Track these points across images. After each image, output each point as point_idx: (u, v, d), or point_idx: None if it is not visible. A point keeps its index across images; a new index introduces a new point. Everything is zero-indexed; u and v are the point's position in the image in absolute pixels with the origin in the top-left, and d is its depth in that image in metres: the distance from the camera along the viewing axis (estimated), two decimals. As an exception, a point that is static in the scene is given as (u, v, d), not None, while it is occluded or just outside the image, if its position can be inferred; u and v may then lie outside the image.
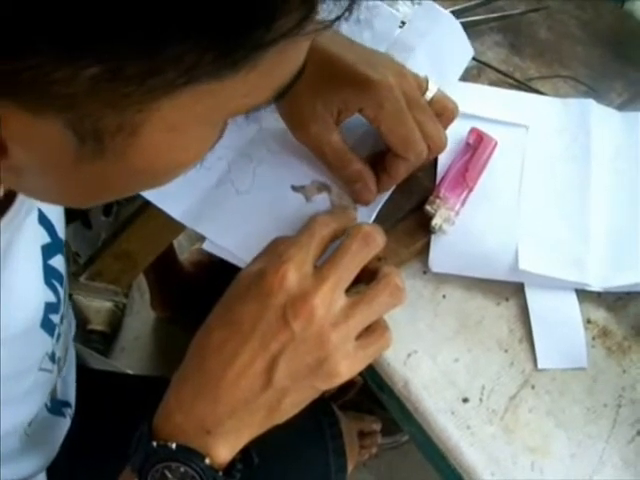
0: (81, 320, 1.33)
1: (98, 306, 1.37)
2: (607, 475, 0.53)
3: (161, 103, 0.29)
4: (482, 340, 0.57)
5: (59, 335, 0.57)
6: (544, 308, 0.58)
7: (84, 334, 1.38)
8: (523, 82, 0.69)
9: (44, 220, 0.52)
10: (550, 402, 0.55)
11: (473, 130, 0.62)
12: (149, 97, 0.28)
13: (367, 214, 0.58)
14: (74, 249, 1.15)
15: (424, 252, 0.59)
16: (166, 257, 1.30)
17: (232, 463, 0.47)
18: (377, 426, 1.28)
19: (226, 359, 0.46)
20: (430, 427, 0.54)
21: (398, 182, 0.59)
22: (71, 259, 1.15)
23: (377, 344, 0.49)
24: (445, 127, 0.58)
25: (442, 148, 0.58)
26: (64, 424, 0.68)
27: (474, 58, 0.68)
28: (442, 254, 0.59)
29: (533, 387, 0.56)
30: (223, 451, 0.46)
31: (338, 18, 0.29)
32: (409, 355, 0.56)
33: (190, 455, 0.45)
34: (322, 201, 0.59)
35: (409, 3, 0.70)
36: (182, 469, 0.45)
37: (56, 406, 0.66)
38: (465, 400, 0.55)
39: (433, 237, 0.59)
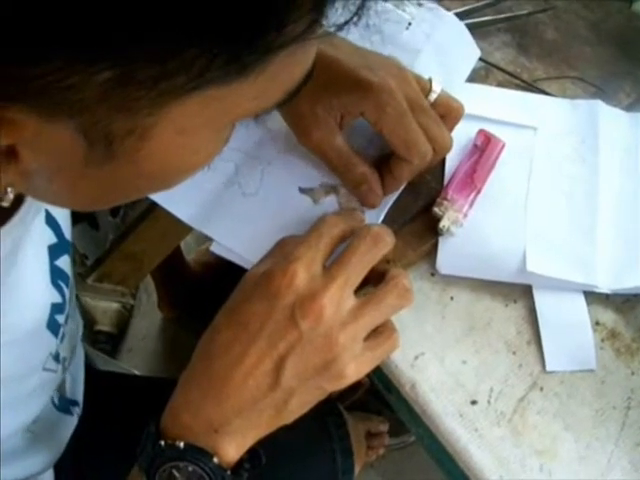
0: (88, 321, 1.34)
1: (105, 307, 1.37)
2: (616, 477, 0.53)
3: (171, 107, 0.29)
4: (490, 342, 0.57)
5: (63, 335, 0.57)
6: (552, 310, 0.58)
7: (91, 335, 1.38)
8: (531, 83, 0.69)
9: (51, 221, 0.52)
10: (558, 404, 0.55)
11: (481, 132, 0.62)
12: (159, 101, 0.28)
13: (375, 216, 0.58)
14: (82, 251, 1.16)
15: (432, 254, 0.59)
16: (173, 258, 1.30)
17: (240, 462, 0.47)
18: (384, 427, 1.28)
19: (234, 359, 0.46)
20: (438, 429, 0.54)
21: (403, 185, 0.59)
22: (78, 261, 1.15)
23: (385, 346, 0.49)
24: (451, 128, 0.58)
25: (447, 150, 0.58)
26: (71, 422, 0.69)
27: (481, 59, 0.68)
28: (450, 256, 0.58)
29: (541, 389, 0.56)
30: (231, 450, 0.46)
31: (347, 22, 0.29)
32: (417, 357, 0.56)
33: (198, 454, 0.45)
34: (330, 203, 0.59)
35: (416, 4, 0.70)
36: (190, 468, 0.45)
37: (64, 404, 0.66)
38: (473, 402, 0.55)
39: (441, 239, 0.59)
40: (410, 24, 0.66)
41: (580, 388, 0.56)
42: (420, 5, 0.70)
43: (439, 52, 0.65)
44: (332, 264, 0.48)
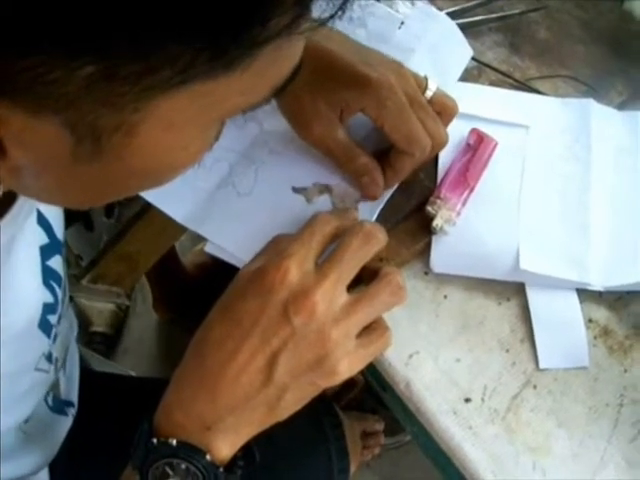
0: (83, 322, 1.34)
1: (100, 308, 1.37)
2: (609, 474, 0.53)
3: (157, 102, 0.29)
4: (484, 340, 0.57)
5: (56, 336, 0.57)
6: (545, 308, 0.58)
7: (86, 336, 1.38)
8: (523, 82, 0.69)
9: (43, 221, 0.52)
10: (552, 402, 0.55)
11: (473, 131, 0.62)
12: (145, 96, 0.29)
13: (368, 215, 0.58)
14: (76, 252, 1.16)
15: (425, 253, 0.59)
16: (168, 259, 1.30)
17: (234, 460, 0.47)
18: (380, 426, 1.28)
19: (226, 355, 0.46)
20: (432, 427, 0.54)
21: (403, 178, 0.59)
22: (73, 262, 1.15)
23: (377, 343, 0.49)
24: (446, 125, 0.59)
25: (444, 144, 0.58)
26: (66, 423, 0.69)
27: (474, 58, 0.68)
28: (443, 255, 0.59)
29: (535, 387, 0.56)
30: (224, 447, 0.46)
31: (332, 17, 0.30)
32: (410, 356, 0.56)
33: (191, 451, 0.45)
34: (323, 203, 0.59)
35: (408, 3, 0.70)
36: (183, 465, 0.45)
37: (59, 405, 0.66)
38: (467, 400, 0.55)
39: (434, 238, 0.59)
40: (403, 23, 0.67)
41: (573, 385, 0.56)
42: (413, 5, 0.70)
43: (432, 52, 0.66)
44: (325, 261, 0.48)
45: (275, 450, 0.70)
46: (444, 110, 0.58)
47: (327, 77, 0.54)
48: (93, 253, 1.14)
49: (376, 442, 1.28)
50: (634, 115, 0.66)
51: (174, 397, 0.48)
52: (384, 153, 0.59)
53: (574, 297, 0.59)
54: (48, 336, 0.55)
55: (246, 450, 0.48)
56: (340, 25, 0.57)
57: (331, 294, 0.46)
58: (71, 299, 1.30)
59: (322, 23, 0.30)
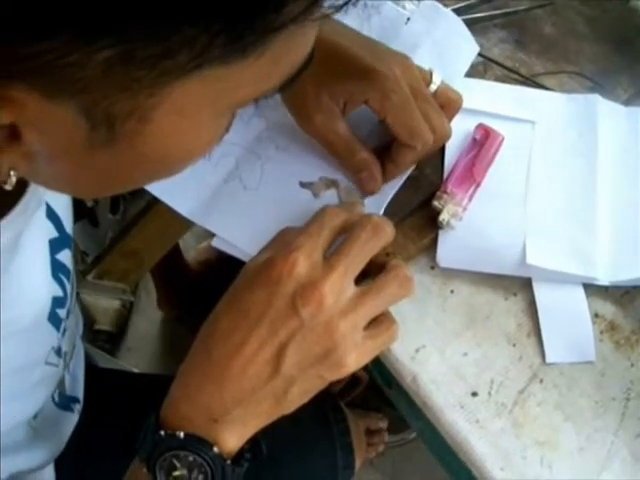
0: (88, 320, 1.34)
1: (105, 306, 1.37)
2: (615, 468, 0.53)
3: (172, 88, 0.29)
4: (490, 335, 0.57)
5: (65, 330, 0.57)
6: (552, 302, 0.58)
7: (91, 334, 1.39)
8: (529, 78, 0.69)
9: (52, 215, 0.52)
10: (558, 396, 0.56)
11: (480, 126, 0.62)
12: (160, 81, 0.29)
13: (375, 209, 0.59)
14: (82, 248, 1.16)
15: (432, 247, 0.59)
16: (172, 256, 1.30)
17: (241, 452, 0.47)
18: (384, 424, 1.28)
19: (234, 347, 0.46)
20: (439, 421, 0.54)
21: (404, 172, 0.59)
22: (78, 258, 1.16)
23: (384, 336, 0.48)
24: (450, 118, 0.59)
25: (446, 138, 0.59)
26: (72, 419, 0.69)
27: (480, 54, 0.68)
28: (450, 249, 0.59)
29: (541, 381, 0.56)
30: (231, 440, 0.46)
31: (346, 3, 0.30)
32: (417, 350, 0.56)
33: (198, 444, 0.45)
34: (330, 197, 0.59)
35: (415, 1, 0.70)
36: (190, 458, 0.45)
37: (64, 401, 0.66)
38: (474, 394, 0.55)
39: (441, 232, 0.59)
40: (409, 19, 0.67)
41: (580, 380, 0.56)
42: (419, 2, 0.70)
43: (438, 48, 0.66)
44: (333, 253, 0.48)
45: (281, 444, 0.70)
46: (448, 103, 0.58)
47: (332, 68, 0.54)
48: (98, 249, 1.15)
49: (380, 440, 1.28)
50: (639, 111, 0.66)
51: (181, 390, 0.48)
52: (386, 147, 0.59)
53: (580, 292, 0.59)
54: (58, 330, 0.55)
55: (253, 443, 0.48)
56: (348, 20, 0.57)
57: (339, 286, 0.46)
58: (76, 295, 1.30)
59: (337, 10, 0.30)
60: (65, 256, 0.55)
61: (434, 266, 0.59)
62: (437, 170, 0.62)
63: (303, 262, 0.46)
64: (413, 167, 0.61)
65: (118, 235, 1.11)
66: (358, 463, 0.95)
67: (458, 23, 0.67)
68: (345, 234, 0.50)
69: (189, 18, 0.26)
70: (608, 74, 0.71)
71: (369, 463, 1.34)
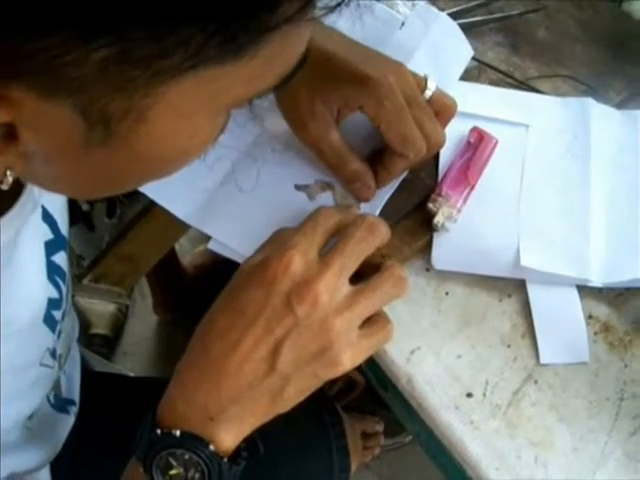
0: (83, 324, 1.34)
1: (101, 310, 1.37)
2: (609, 468, 0.54)
3: (167, 88, 0.30)
4: (485, 336, 0.58)
5: (60, 332, 0.58)
6: (546, 304, 0.58)
7: (87, 338, 1.38)
8: (523, 82, 0.69)
9: (47, 217, 0.53)
10: (553, 397, 0.56)
11: (474, 129, 0.63)
12: (155, 81, 0.29)
13: (370, 211, 0.59)
14: (78, 252, 1.16)
15: (427, 250, 0.60)
16: (168, 260, 1.31)
17: (237, 451, 0.47)
18: (380, 427, 1.28)
19: (230, 345, 0.46)
20: (434, 422, 0.55)
21: (395, 178, 0.59)
22: (74, 262, 1.16)
23: (379, 335, 0.49)
24: (444, 124, 0.59)
25: (439, 146, 0.59)
26: (68, 421, 0.69)
27: (474, 58, 0.69)
28: (444, 251, 0.59)
29: (536, 382, 0.56)
30: (227, 438, 0.46)
31: (339, 4, 0.30)
32: (412, 352, 0.56)
33: (194, 442, 0.45)
34: (325, 200, 0.60)
35: (409, 4, 0.71)
36: (187, 456, 0.45)
37: (61, 403, 0.67)
38: (469, 395, 0.55)
39: (435, 235, 0.59)
40: (403, 24, 0.67)
41: (574, 381, 0.57)
42: (413, 6, 0.71)
43: (433, 51, 0.66)
44: (328, 252, 0.48)
45: (277, 447, 0.70)
46: (443, 110, 0.59)
47: (326, 75, 0.55)
48: (94, 253, 1.14)
49: (376, 443, 1.28)
50: (633, 114, 0.67)
51: (177, 388, 0.48)
52: (377, 153, 0.59)
53: (574, 293, 0.59)
54: (53, 331, 0.55)
55: (250, 442, 0.48)
56: (341, 21, 0.58)
57: (334, 284, 0.46)
58: (72, 299, 1.30)
59: (330, 10, 0.30)
60: (60, 258, 0.55)
61: (429, 268, 0.59)
62: (432, 173, 0.62)
63: (298, 261, 0.46)
64: (407, 170, 0.61)
65: (114, 239, 1.11)
66: (354, 466, 0.96)
67: (453, 27, 0.67)
68: (340, 234, 0.50)
69: (185, 18, 0.27)
70: (601, 77, 0.71)
71: (365, 466, 1.34)
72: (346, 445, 0.88)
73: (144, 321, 1.51)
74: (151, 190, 0.59)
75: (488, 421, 0.54)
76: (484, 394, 0.55)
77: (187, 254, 1.50)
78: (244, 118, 0.63)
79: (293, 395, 0.47)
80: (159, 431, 0.46)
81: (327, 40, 0.55)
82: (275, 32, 0.29)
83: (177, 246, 1.34)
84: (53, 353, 0.57)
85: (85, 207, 1.10)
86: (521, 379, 0.56)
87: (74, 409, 0.71)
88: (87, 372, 0.77)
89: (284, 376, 0.46)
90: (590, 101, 0.67)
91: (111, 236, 1.13)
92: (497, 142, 0.62)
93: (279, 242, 0.49)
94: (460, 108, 0.60)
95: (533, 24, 0.74)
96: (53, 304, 0.54)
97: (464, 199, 0.60)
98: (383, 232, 0.50)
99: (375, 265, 0.50)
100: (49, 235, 0.53)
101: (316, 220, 0.50)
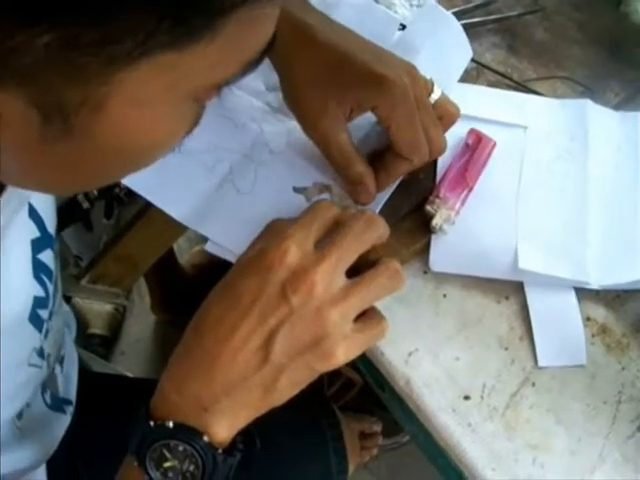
0: (81, 324, 1.34)
1: (98, 310, 1.37)
2: (607, 471, 0.54)
3: (122, 76, 0.29)
4: (483, 338, 0.58)
5: (47, 331, 0.57)
6: (544, 306, 0.58)
7: (84, 338, 1.38)
8: (521, 83, 0.69)
9: (34, 214, 0.52)
10: (550, 399, 0.56)
11: (472, 131, 0.63)
12: (108, 69, 0.28)
13: (368, 213, 0.59)
14: (75, 252, 1.16)
15: (424, 252, 0.59)
16: (166, 260, 1.30)
17: (233, 443, 0.47)
18: (378, 427, 1.28)
19: (223, 334, 0.45)
20: (431, 425, 0.55)
21: (395, 181, 0.59)
22: (72, 262, 1.16)
23: (374, 331, 0.48)
24: (445, 130, 0.59)
25: (442, 152, 0.59)
26: (64, 421, 0.69)
27: (473, 59, 0.69)
28: (442, 254, 0.59)
29: (533, 384, 0.56)
30: (221, 429, 0.45)
31: None
32: (410, 354, 0.56)
33: (188, 433, 0.44)
34: None
35: (407, 6, 0.71)
36: (181, 447, 0.44)
37: (57, 403, 0.66)
38: (466, 397, 0.55)
39: (433, 237, 0.59)
40: (404, 26, 0.67)
41: (571, 383, 0.57)
42: (411, 7, 0.71)
43: (438, 52, 0.65)
44: (325, 243, 0.48)
45: (275, 450, 0.70)
46: (446, 116, 0.58)
47: (341, 75, 0.54)
48: (92, 254, 1.15)
49: (374, 443, 1.28)
50: (630, 115, 0.67)
51: (170, 379, 0.47)
52: (379, 154, 0.59)
53: (572, 295, 0.59)
54: (39, 331, 0.54)
55: (246, 435, 0.47)
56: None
57: (330, 275, 0.46)
58: (69, 300, 1.30)
59: None
60: (47, 256, 0.55)
61: (427, 270, 0.59)
62: (429, 175, 0.62)
63: (295, 250, 0.46)
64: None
65: (112, 239, 1.11)
66: (352, 467, 0.96)
67: (458, 28, 0.67)
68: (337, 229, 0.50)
69: (131, 3, 0.26)
70: (599, 79, 0.71)
71: (363, 466, 1.34)
72: (344, 447, 0.88)
73: (142, 321, 1.50)
74: (148, 192, 0.59)
75: (486, 424, 0.54)
76: (482, 396, 0.55)
77: (185, 254, 1.50)
78: (243, 120, 0.63)
79: (287, 387, 0.46)
80: (152, 423, 0.45)
81: (340, 39, 0.55)
82: (231, 15, 0.29)
83: (175, 246, 1.34)
84: (41, 353, 0.57)
85: (85, 205, 1.10)
86: (519, 382, 0.56)
87: (70, 408, 0.71)
88: (85, 372, 0.77)
89: (278, 366, 0.45)
90: (588, 102, 0.67)
91: (109, 237, 1.13)
92: (495, 144, 0.62)
93: (275, 232, 0.49)
94: (458, 110, 0.60)
95: (531, 25, 0.74)
96: (39, 302, 0.53)
97: (462, 201, 0.60)
98: (381, 227, 0.49)
99: (372, 262, 0.50)
100: (36, 233, 0.52)
101: (314, 212, 0.50)
